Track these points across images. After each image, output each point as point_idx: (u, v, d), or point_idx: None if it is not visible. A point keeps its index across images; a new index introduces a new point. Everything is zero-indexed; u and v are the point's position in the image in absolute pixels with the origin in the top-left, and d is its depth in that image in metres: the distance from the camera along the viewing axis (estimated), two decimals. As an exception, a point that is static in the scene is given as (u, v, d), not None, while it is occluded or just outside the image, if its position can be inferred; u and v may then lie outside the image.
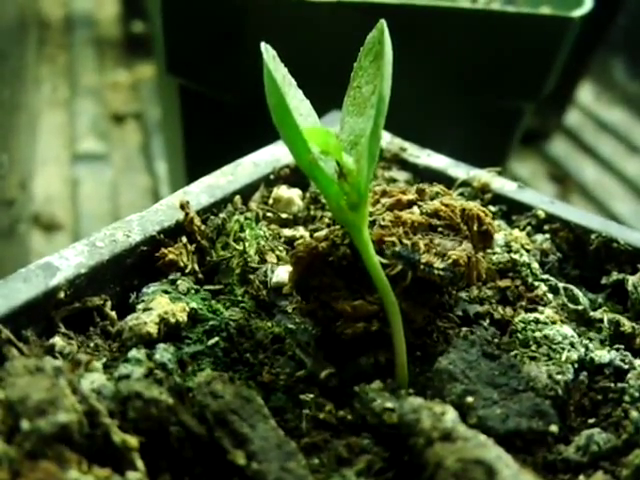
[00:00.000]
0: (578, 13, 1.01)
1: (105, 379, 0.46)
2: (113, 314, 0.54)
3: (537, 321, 0.55)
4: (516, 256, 0.61)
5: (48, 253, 0.53)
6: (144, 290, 0.55)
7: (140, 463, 0.41)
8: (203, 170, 0.66)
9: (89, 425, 0.41)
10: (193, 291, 0.56)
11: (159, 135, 1.81)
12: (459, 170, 0.71)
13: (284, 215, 0.66)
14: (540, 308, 0.58)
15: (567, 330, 0.55)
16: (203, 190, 0.63)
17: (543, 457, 0.47)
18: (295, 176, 0.69)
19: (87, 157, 1.79)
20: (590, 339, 0.56)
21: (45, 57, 2.23)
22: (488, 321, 0.56)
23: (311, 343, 0.53)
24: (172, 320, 0.52)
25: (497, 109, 1.11)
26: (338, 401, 0.49)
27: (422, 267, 0.50)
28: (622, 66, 2.16)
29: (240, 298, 0.56)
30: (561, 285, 0.60)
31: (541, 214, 0.66)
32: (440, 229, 0.53)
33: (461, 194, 0.68)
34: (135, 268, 0.56)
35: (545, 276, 0.61)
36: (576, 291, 0.60)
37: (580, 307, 0.59)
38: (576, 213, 0.65)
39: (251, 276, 0.58)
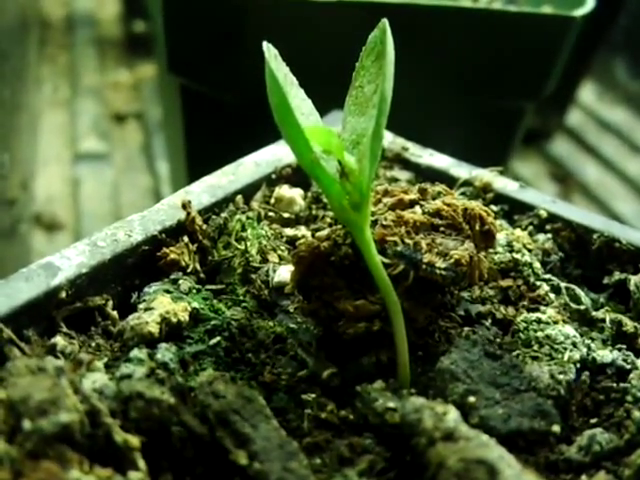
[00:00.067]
0: (579, 12, 1.01)
1: (107, 379, 0.46)
2: (114, 314, 0.54)
3: (539, 321, 0.55)
4: (518, 256, 0.61)
5: (49, 253, 0.53)
6: (145, 290, 0.55)
7: (142, 463, 0.41)
8: (204, 170, 0.66)
9: (91, 425, 0.41)
10: (195, 291, 0.56)
11: (160, 135, 1.81)
12: (461, 170, 0.71)
13: (286, 215, 0.66)
14: (542, 308, 0.58)
15: (569, 330, 0.55)
16: (205, 190, 0.63)
17: (545, 457, 0.47)
18: (297, 176, 0.69)
19: (88, 157, 1.79)
20: (592, 339, 0.56)
21: (46, 57, 2.23)
22: (490, 321, 0.56)
23: (313, 343, 0.53)
24: (174, 320, 0.52)
25: (498, 109, 1.11)
26: (340, 401, 0.49)
27: (424, 267, 0.50)
28: (624, 66, 2.15)
29: (242, 298, 0.56)
30: (563, 285, 0.60)
31: (543, 214, 0.66)
32: (442, 229, 0.53)
33: (463, 194, 0.68)
34: (136, 268, 0.56)
35: (547, 276, 0.61)
36: (578, 291, 0.60)
37: (582, 307, 0.58)
38: (578, 213, 0.65)
39: (253, 276, 0.58)
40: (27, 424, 0.39)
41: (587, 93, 2.14)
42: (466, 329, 0.54)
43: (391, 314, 0.49)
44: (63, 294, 0.51)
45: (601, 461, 0.47)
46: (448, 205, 0.54)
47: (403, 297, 0.50)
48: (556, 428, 0.47)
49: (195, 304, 0.54)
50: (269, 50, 0.47)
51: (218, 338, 0.52)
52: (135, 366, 0.47)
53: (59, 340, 0.50)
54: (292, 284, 0.55)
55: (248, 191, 0.66)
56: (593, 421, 0.50)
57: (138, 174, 1.75)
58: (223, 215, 0.62)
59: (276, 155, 0.70)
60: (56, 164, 1.76)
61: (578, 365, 0.52)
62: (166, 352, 0.50)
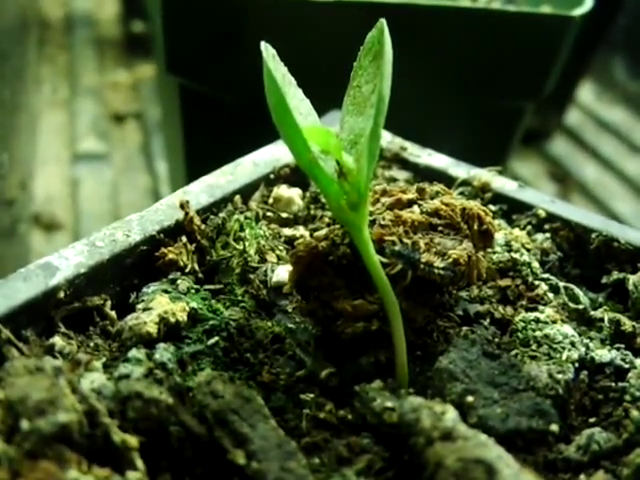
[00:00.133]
0: (578, 12, 1.01)
1: (105, 379, 0.46)
2: (113, 314, 0.54)
3: (537, 320, 0.55)
4: (516, 255, 0.61)
5: (48, 253, 0.53)
6: (144, 290, 0.55)
7: (140, 463, 0.41)
8: (203, 170, 0.66)
9: (89, 425, 0.41)
10: (193, 291, 0.56)
11: (159, 135, 1.81)
12: (459, 169, 0.71)
13: (284, 214, 0.66)
14: (540, 307, 0.58)
15: (568, 329, 0.55)
16: (203, 190, 0.63)
17: (544, 456, 0.47)
18: (295, 175, 0.69)
19: (87, 157, 1.79)
20: (591, 338, 0.56)
21: (45, 57, 2.23)
22: (488, 320, 0.56)
23: (311, 343, 0.53)
24: (172, 320, 0.52)
25: (497, 109, 1.11)
26: (338, 401, 0.49)
27: (422, 266, 0.50)
28: (623, 65, 2.15)
29: (240, 298, 0.56)
30: (561, 284, 0.60)
31: (541, 213, 0.66)
32: (440, 228, 0.53)
33: (461, 193, 0.68)
34: (135, 268, 0.56)
35: (545, 275, 0.61)
36: (576, 290, 0.60)
37: (581, 306, 0.58)
38: (577, 212, 0.65)
39: (251, 275, 0.58)
40: (25, 424, 0.39)
41: (586, 93, 2.14)
42: (464, 329, 0.54)
43: (389, 314, 0.49)
44: (61, 294, 0.51)
45: (600, 460, 0.47)
46: (446, 205, 0.54)
47: (401, 297, 0.50)
48: (554, 427, 0.47)
49: (193, 304, 0.54)
50: (267, 50, 0.47)
51: (216, 338, 0.52)
52: (133, 366, 0.47)
53: (57, 340, 0.50)
54: (290, 284, 0.55)
55: (246, 191, 0.66)
56: (592, 420, 0.50)
57: (137, 174, 1.75)
58: (221, 215, 0.62)
59: (274, 155, 0.70)
60: (55, 164, 1.75)
61: (576, 364, 0.52)
62: (164, 352, 0.50)
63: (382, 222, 0.52)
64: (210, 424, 0.44)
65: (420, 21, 0.98)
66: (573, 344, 0.54)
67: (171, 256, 0.57)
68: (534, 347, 0.53)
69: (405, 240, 0.51)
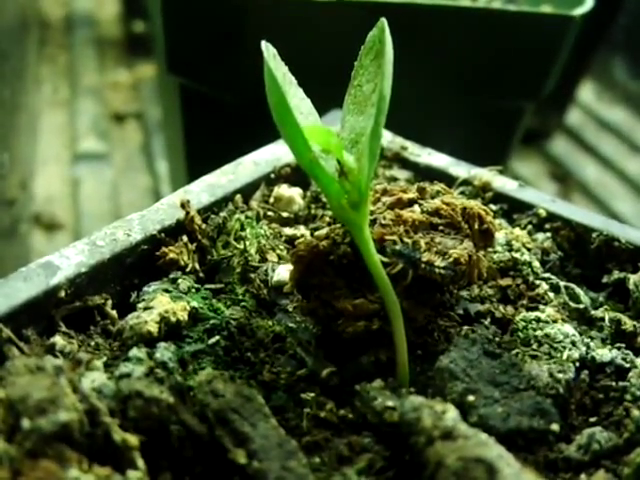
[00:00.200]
0: (579, 12, 1.01)
1: (106, 378, 0.46)
2: (114, 313, 0.54)
3: (538, 320, 0.55)
4: (517, 255, 0.61)
5: (49, 252, 0.53)
6: (145, 289, 0.55)
7: (141, 462, 0.41)
8: (203, 169, 0.66)
9: (90, 424, 0.41)
10: (194, 290, 0.56)
11: (160, 135, 1.80)
12: (460, 169, 0.71)
13: (285, 214, 0.66)
14: (541, 307, 0.58)
15: (568, 329, 0.55)
16: (204, 189, 0.63)
17: (544, 456, 0.47)
18: (296, 175, 0.69)
19: (88, 157, 1.79)
20: (591, 338, 0.56)
21: (46, 57, 2.23)
22: (489, 320, 0.56)
23: (312, 342, 0.53)
24: (173, 319, 0.52)
25: (498, 108, 1.11)
26: (339, 400, 0.49)
27: (423, 266, 0.50)
28: (623, 65, 2.15)
29: (241, 297, 0.56)
30: (562, 284, 0.60)
31: (542, 213, 0.66)
32: (441, 228, 0.53)
33: (462, 193, 0.68)
34: (136, 267, 0.56)
35: (546, 275, 0.61)
36: (577, 290, 0.60)
37: (581, 306, 0.58)
38: (577, 212, 0.65)
39: (252, 275, 0.58)
40: (26, 423, 0.39)
41: (586, 92, 2.14)
42: (465, 328, 0.54)
43: (390, 313, 0.49)
44: (62, 293, 0.51)
45: (600, 460, 0.47)
46: (447, 204, 0.54)
47: (402, 296, 0.50)
48: (555, 427, 0.47)
49: (194, 303, 0.54)
50: (268, 49, 0.47)
51: (217, 337, 0.52)
52: (134, 365, 0.47)
53: (58, 339, 0.50)
54: (291, 283, 0.55)
55: (247, 190, 0.66)
56: (592, 420, 0.50)
57: (137, 174, 1.75)
58: (222, 214, 0.62)
59: (275, 154, 0.70)
60: (55, 164, 1.75)
61: (577, 364, 0.52)
62: (165, 351, 0.50)
63: (383, 221, 0.52)
64: (211, 423, 0.44)
65: (420, 21, 0.98)
66: (574, 343, 0.54)
67: (172, 255, 0.57)
68: (535, 346, 0.53)
69: (406, 239, 0.51)
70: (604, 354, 0.53)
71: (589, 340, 0.55)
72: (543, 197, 0.67)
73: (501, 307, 0.57)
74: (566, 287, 0.60)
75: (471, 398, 0.47)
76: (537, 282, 0.60)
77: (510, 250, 0.61)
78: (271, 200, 0.67)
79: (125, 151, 1.84)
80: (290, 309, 0.55)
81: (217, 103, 1.08)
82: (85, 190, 1.67)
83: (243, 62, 0.97)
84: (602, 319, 0.57)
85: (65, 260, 0.53)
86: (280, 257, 0.60)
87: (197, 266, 0.58)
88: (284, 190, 0.67)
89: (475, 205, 0.54)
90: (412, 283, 0.50)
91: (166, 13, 1.02)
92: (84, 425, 0.41)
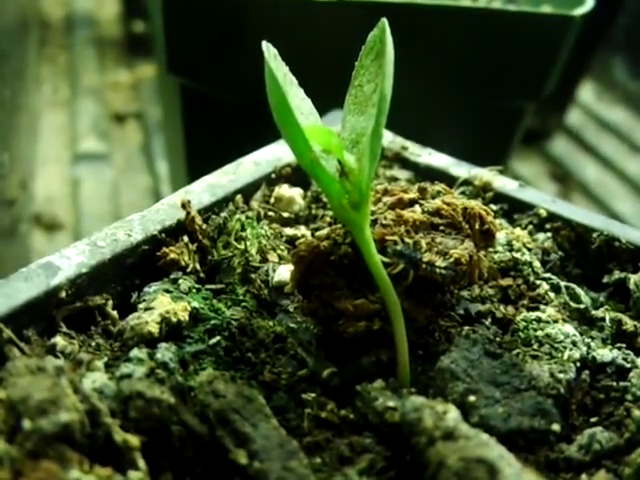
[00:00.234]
0: (579, 12, 1.01)
1: (106, 378, 0.46)
2: (114, 313, 0.54)
3: (539, 320, 0.55)
4: (518, 255, 0.61)
5: (49, 253, 0.53)
6: (145, 289, 0.55)
7: (142, 462, 0.41)
8: (204, 169, 0.66)
9: (90, 424, 0.41)
10: (194, 290, 0.56)
11: (160, 135, 1.81)
12: (460, 169, 0.71)
13: (285, 214, 0.66)
14: (542, 307, 0.58)
15: (569, 329, 0.55)
16: (204, 189, 0.63)
17: (545, 456, 0.47)
18: (296, 175, 0.69)
19: (88, 157, 1.79)
20: (592, 338, 0.56)
21: (46, 57, 2.23)
22: (490, 320, 0.56)
23: (313, 342, 0.53)
24: (173, 319, 0.52)
25: (498, 109, 1.11)
26: (340, 400, 0.49)
27: (424, 266, 0.50)
28: (623, 65, 2.15)
29: (241, 297, 0.56)
30: (563, 284, 0.60)
31: (543, 213, 0.66)
32: (442, 228, 0.53)
33: (462, 193, 0.68)
34: (136, 267, 0.56)
35: (547, 275, 0.61)
36: (578, 290, 0.60)
37: (582, 306, 0.58)
38: (578, 212, 0.65)
39: (252, 275, 0.58)
40: (27, 424, 0.39)
41: (586, 93, 2.14)
42: (466, 328, 0.54)
43: (391, 313, 0.49)
44: (63, 294, 0.51)
45: (601, 460, 0.47)
46: (448, 204, 0.54)
47: (403, 296, 0.50)
48: (556, 427, 0.47)
49: (195, 304, 0.54)
50: (268, 50, 0.47)
51: (218, 337, 0.52)
52: (135, 366, 0.47)
53: (59, 340, 0.50)
54: (292, 283, 0.55)
55: (248, 190, 0.66)
56: (593, 420, 0.50)
57: (138, 174, 1.75)
58: (223, 215, 0.62)
59: (276, 154, 0.70)
60: (56, 164, 1.76)
61: (578, 364, 0.52)
62: (166, 352, 0.50)
63: (384, 222, 0.52)
64: (212, 424, 0.44)
65: (421, 21, 0.98)
66: (574, 343, 0.54)
67: (172, 256, 0.57)
68: (535, 346, 0.53)
69: (407, 240, 0.51)
70: (605, 354, 0.53)
71: (590, 340, 0.55)
72: (543, 197, 0.67)
73: (502, 307, 0.57)
74: (567, 287, 0.60)
75: (472, 398, 0.47)
76: (538, 282, 0.60)
77: (511, 250, 0.61)
78: (272, 200, 0.67)
79: (125, 151, 1.84)
80: (291, 309, 0.55)
81: (217, 103, 1.08)
82: (85, 190, 1.67)
83: (243, 62, 0.97)
84: (603, 319, 0.57)
85: (66, 260, 0.53)
86: (281, 257, 0.60)
87: (198, 266, 0.58)
88: (285, 190, 0.67)
89: (476, 205, 0.54)
90: (413, 283, 0.50)
91: (166, 13, 1.02)
92: (85, 426, 0.41)
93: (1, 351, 0.47)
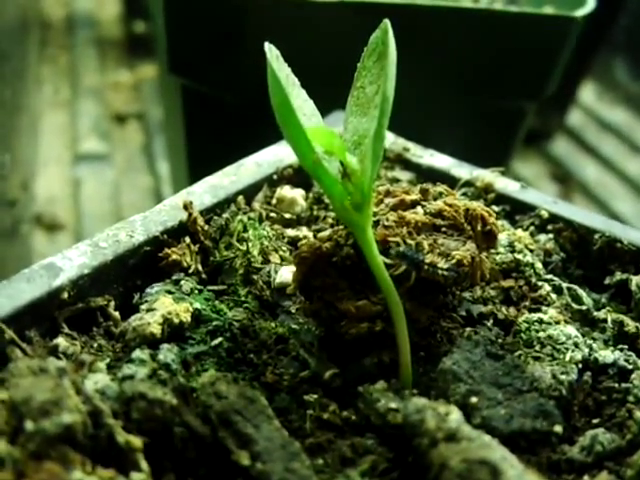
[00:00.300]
0: (581, 13, 1.01)
1: (109, 380, 0.46)
2: (116, 314, 0.54)
3: (541, 321, 0.55)
4: (519, 256, 0.61)
5: (50, 253, 0.53)
6: (147, 290, 0.55)
7: (144, 464, 0.41)
8: (205, 170, 0.66)
9: (93, 426, 0.41)
10: (196, 291, 0.56)
11: (161, 135, 1.81)
12: (462, 170, 0.71)
13: (287, 215, 0.66)
14: (544, 308, 0.58)
15: (571, 330, 0.55)
16: (206, 190, 0.63)
17: (547, 457, 0.47)
18: (298, 176, 0.69)
19: (89, 157, 1.79)
20: (594, 339, 0.56)
21: (47, 57, 2.23)
22: (492, 321, 0.56)
23: (315, 343, 0.53)
24: (176, 320, 0.52)
25: (499, 109, 1.11)
26: (342, 401, 0.49)
27: (426, 267, 0.50)
28: (624, 66, 2.15)
29: (243, 298, 0.56)
30: (565, 285, 0.60)
31: (544, 214, 0.66)
32: (444, 229, 0.53)
33: (464, 194, 0.68)
34: (138, 268, 0.56)
35: (549, 276, 0.61)
36: (580, 291, 0.60)
37: (584, 307, 0.58)
38: (579, 213, 0.65)
39: (254, 276, 0.58)
40: (29, 425, 0.39)
41: (587, 93, 2.14)
42: (468, 329, 0.54)
43: (393, 314, 0.49)
44: (65, 295, 0.51)
45: (603, 461, 0.47)
46: (450, 206, 0.54)
47: (405, 297, 0.50)
48: (558, 428, 0.47)
49: (197, 305, 0.54)
50: (271, 51, 0.47)
51: (220, 339, 0.52)
52: (137, 367, 0.47)
53: (61, 341, 0.50)
54: (294, 285, 0.55)
55: (250, 192, 0.66)
56: (595, 421, 0.50)
57: (139, 174, 1.75)
58: (225, 216, 0.62)
59: (277, 156, 0.70)
60: (57, 165, 1.76)
61: (580, 365, 0.52)
62: (168, 353, 0.50)
63: (386, 223, 0.52)
64: (214, 425, 0.44)
65: (422, 22, 0.98)
66: (576, 345, 0.54)
67: (174, 257, 0.57)
68: (537, 348, 0.53)
69: (409, 241, 0.51)
70: (607, 355, 0.53)
71: (592, 341, 0.55)
72: (545, 198, 0.67)
73: (504, 308, 0.57)
74: (568, 288, 0.60)
75: (474, 400, 0.47)
76: (539, 283, 0.60)
77: (512, 251, 0.62)
78: (273, 201, 0.67)
79: (126, 152, 1.84)
80: (293, 311, 0.55)
81: (218, 103, 1.08)
82: (86, 191, 1.67)
83: (244, 62, 0.97)
84: (605, 320, 0.57)
85: (68, 261, 0.53)
86: (283, 258, 0.60)
87: (200, 267, 0.58)
88: (286, 191, 0.67)
89: (478, 206, 0.54)
90: (415, 284, 0.50)
91: (167, 13, 1.02)
92: (87, 427, 0.41)
93: (3, 352, 0.47)
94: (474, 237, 0.53)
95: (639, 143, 1.97)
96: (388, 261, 0.49)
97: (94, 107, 2.01)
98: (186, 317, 0.52)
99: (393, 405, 0.46)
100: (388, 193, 0.56)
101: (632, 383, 0.51)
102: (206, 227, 0.60)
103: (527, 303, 0.58)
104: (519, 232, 0.64)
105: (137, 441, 0.42)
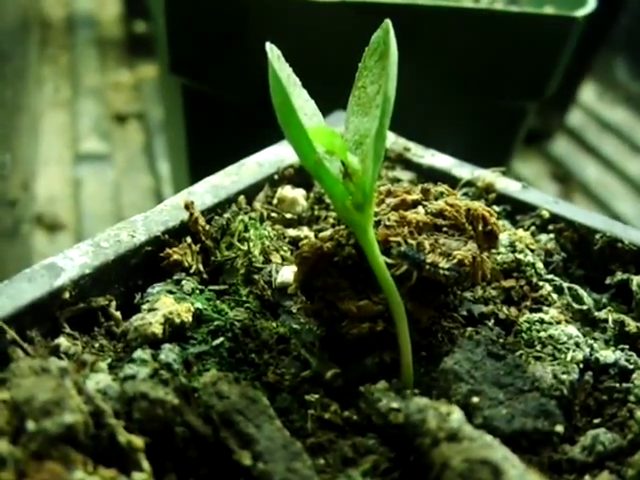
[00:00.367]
0: (581, 13, 1.01)
1: (110, 380, 0.46)
2: (118, 314, 0.54)
3: (542, 321, 0.55)
4: (520, 256, 0.61)
5: (51, 253, 0.53)
6: (149, 290, 0.55)
7: (146, 464, 0.41)
8: (206, 170, 0.66)
9: (95, 426, 0.41)
10: (198, 291, 0.56)
11: (161, 135, 1.81)
12: (463, 170, 0.71)
13: (288, 215, 0.66)
14: (545, 308, 0.58)
15: (572, 330, 0.55)
16: (207, 190, 0.63)
17: (549, 457, 0.47)
18: (299, 176, 0.69)
19: (89, 157, 1.80)
20: (595, 339, 0.56)
21: (47, 57, 2.23)
22: (493, 321, 0.56)
23: (316, 343, 0.53)
24: (177, 320, 0.52)
25: (500, 109, 1.11)
26: (343, 401, 0.49)
27: (427, 267, 0.50)
28: (624, 66, 2.15)
29: (245, 298, 0.56)
30: (565, 285, 0.60)
31: (545, 214, 0.66)
32: (445, 229, 0.53)
33: (465, 194, 0.68)
34: (140, 268, 0.56)
35: (549, 276, 0.61)
36: (580, 291, 0.60)
37: (585, 307, 0.58)
38: (580, 213, 0.65)
39: (256, 276, 0.58)
40: (31, 425, 0.39)
41: (588, 93, 2.14)
42: (469, 329, 0.54)
43: (394, 314, 0.49)
44: (66, 295, 0.51)
45: (604, 461, 0.47)
46: (451, 205, 0.54)
47: (406, 297, 0.50)
48: (559, 428, 0.47)
49: (198, 305, 0.54)
50: (272, 50, 0.47)
51: (221, 339, 0.52)
52: (139, 367, 0.47)
53: (62, 341, 0.50)
54: (295, 285, 0.55)
55: (251, 191, 0.66)
56: (596, 421, 0.50)
57: (139, 174, 1.75)
58: (226, 216, 0.62)
59: (278, 155, 0.70)
60: (57, 165, 1.76)
61: (581, 365, 0.52)
62: (169, 353, 0.50)
63: (387, 223, 0.52)
64: (216, 425, 0.44)
65: (423, 22, 0.98)
66: (577, 345, 0.54)
67: (176, 257, 0.57)
68: (539, 348, 0.53)
69: (410, 241, 0.51)
70: (608, 355, 0.53)
71: (593, 341, 0.55)
72: (546, 198, 0.67)
73: (505, 308, 0.57)
74: (569, 288, 0.60)
75: (475, 399, 0.47)
76: (540, 283, 0.60)
77: (513, 251, 0.62)
78: (274, 201, 0.67)
79: (127, 152, 1.84)
80: (294, 310, 0.55)
81: (219, 103, 1.08)
82: (87, 191, 1.67)
83: (245, 62, 0.97)
84: (606, 320, 0.57)
85: (69, 261, 0.53)
86: (284, 258, 0.60)
87: (201, 267, 0.58)
88: (287, 191, 0.67)
89: (479, 206, 0.54)
90: (416, 284, 0.50)
91: (169, 13, 1.02)
92: (89, 427, 0.41)
93: (5, 352, 0.47)
94: (475, 237, 0.53)
95: (639, 143, 1.97)
96: (389, 261, 0.49)
97: (94, 107, 2.01)
98: (187, 317, 0.52)
99: (394, 405, 0.46)
100: (389, 193, 0.56)
101: (633, 383, 0.51)
102: (207, 227, 0.60)
103: (528, 303, 0.58)
104: (520, 232, 0.64)
105: (139, 441, 0.42)
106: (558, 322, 0.56)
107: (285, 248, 0.61)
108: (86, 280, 0.52)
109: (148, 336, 0.50)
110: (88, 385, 0.44)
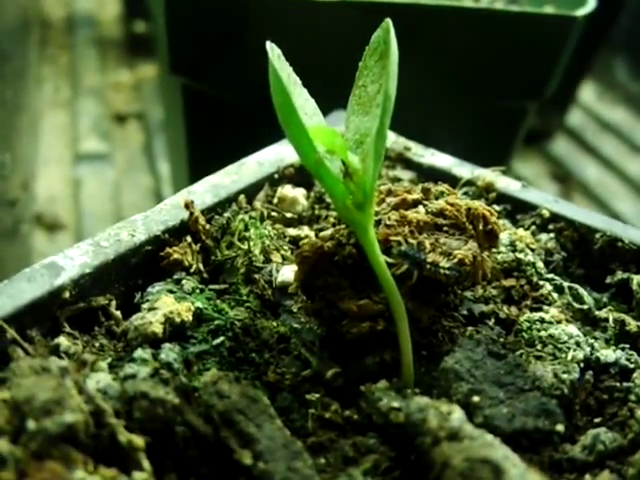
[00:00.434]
0: (581, 12, 1.01)
1: (111, 379, 0.46)
2: (118, 314, 0.54)
3: (542, 320, 0.55)
4: (521, 255, 0.61)
5: (51, 253, 0.53)
6: (149, 290, 0.55)
7: (146, 463, 0.41)
8: (206, 170, 0.66)
9: (95, 425, 0.41)
10: (198, 290, 0.56)
11: (161, 135, 1.81)
12: (463, 169, 0.71)
13: (289, 214, 0.66)
14: (545, 307, 0.58)
15: (572, 329, 0.55)
16: (207, 189, 0.63)
17: (549, 456, 0.47)
18: (299, 175, 0.69)
19: (89, 157, 1.80)
20: (595, 338, 0.56)
21: (47, 57, 2.23)
22: (493, 320, 0.56)
23: (316, 343, 0.53)
24: (177, 320, 0.51)
25: (500, 109, 1.11)
26: (344, 401, 0.49)
27: (428, 266, 0.50)
28: (624, 66, 2.16)
29: (245, 297, 0.56)
30: (566, 284, 0.60)
31: (546, 213, 0.66)
32: (445, 228, 0.53)
33: (465, 193, 0.68)
34: (140, 268, 0.56)
35: (550, 275, 0.61)
36: (581, 290, 0.60)
37: (585, 306, 0.58)
38: (581, 212, 0.65)
39: (256, 275, 0.58)
40: (31, 424, 0.39)
41: (588, 93, 2.14)
42: (470, 329, 0.54)
43: (395, 314, 0.49)
44: (67, 294, 0.51)
45: (605, 460, 0.47)
46: (451, 205, 0.54)
47: (407, 297, 0.50)
48: (560, 427, 0.47)
49: (198, 304, 0.54)
50: (273, 50, 0.47)
51: (222, 338, 0.52)
52: (139, 366, 0.47)
53: (63, 340, 0.50)
54: (295, 284, 0.55)
55: (251, 191, 0.66)
56: (597, 420, 0.50)
57: (139, 174, 1.75)
58: (226, 215, 0.62)
59: (279, 155, 0.70)
60: (57, 164, 1.76)
61: (582, 364, 0.52)
62: (170, 352, 0.50)
63: (387, 222, 0.52)
64: (216, 424, 0.44)
65: (423, 21, 0.98)
66: (578, 344, 0.54)
67: (176, 256, 0.57)
68: (539, 347, 0.53)
69: (411, 240, 0.51)
70: (608, 355, 0.53)
71: (593, 341, 0.55)
72: (546, 197, 0.67)
73: (505, 308, 0.57)
74: (570, 288, 0.60)
75: (476, 399, 0.47)
76: (541, 283, 0.60)
77: (514, 251, 0.62)
78: (275, 200, 0.67)
79: (127, 151, 1.84)
80: (294, 310, 0.55)
81: (219, 103, 1.08)
82: (87, 190, 1.67)
83: (245, 62, 0.97)
84: (606, 320, 0.57)
85: (69, 261, 0.53)
86: (284, 258, 0.60)
87: (201, 267, 0.58)
88: (288, 190, 0.67)
89: (479, 206, 0.54)
90: (417, 284, 0.50)
91: (169, 13, 1.02)
92: (90, 426, 0.41)
93: (5, 352, 0.47)
94: (476, 236, 0.53)
95: (639, 143, 1.97)
96: (390, 260, 0.49)
97: (94, 107, 2.01)
98: (188, 316, 0.52)
99: (395, 404, 0.46)
100: (390, 192, 0.56)
101: (634, 382, 0.51)
102: (207, 226, 0.60)
103: (528, 302, 0.58)
104: (520, 231, 0.64)
105: (139, 440, 0.42)
106: (558, 321, 0.56)
107: (285, 247, 0.61)
108: (86, 279, 0.52)
109: (148, 335, 0.50)
110: (88, 384, 0.44)
